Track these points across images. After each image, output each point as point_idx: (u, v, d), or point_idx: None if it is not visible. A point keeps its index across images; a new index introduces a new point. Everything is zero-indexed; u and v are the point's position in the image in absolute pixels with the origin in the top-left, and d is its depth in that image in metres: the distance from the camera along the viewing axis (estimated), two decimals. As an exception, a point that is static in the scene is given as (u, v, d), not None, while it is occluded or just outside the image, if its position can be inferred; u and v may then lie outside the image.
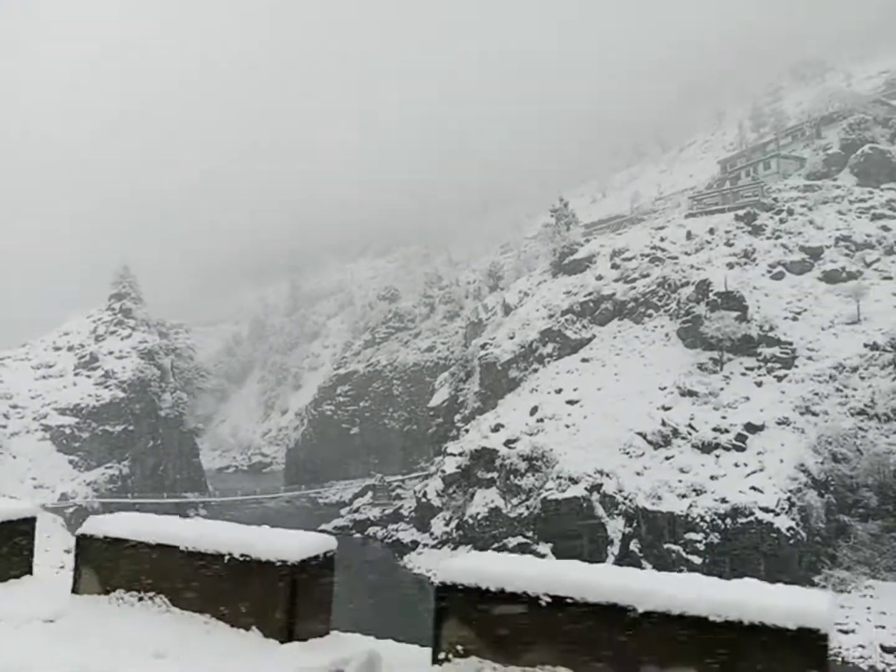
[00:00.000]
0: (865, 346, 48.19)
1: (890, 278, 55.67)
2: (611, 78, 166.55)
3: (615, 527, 41.04)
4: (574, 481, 43.61)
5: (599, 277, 63.87)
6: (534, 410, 52.79)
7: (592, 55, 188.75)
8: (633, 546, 39.87)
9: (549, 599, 2.86)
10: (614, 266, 64.18)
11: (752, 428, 43.86)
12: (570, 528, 42.34)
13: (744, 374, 49.65)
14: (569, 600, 2.84)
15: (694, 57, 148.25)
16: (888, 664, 28.49)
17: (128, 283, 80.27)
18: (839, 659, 28.71)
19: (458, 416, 65.13)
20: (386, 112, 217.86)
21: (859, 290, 52.71)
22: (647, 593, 2.74)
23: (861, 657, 29.14)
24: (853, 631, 31.00)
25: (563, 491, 43.28)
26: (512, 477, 46.95)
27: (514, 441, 49.31)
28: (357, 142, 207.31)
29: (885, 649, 29.20)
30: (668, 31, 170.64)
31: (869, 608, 33.47)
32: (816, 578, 36.62)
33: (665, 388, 49.36)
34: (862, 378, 46.77)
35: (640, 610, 2.69)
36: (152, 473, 67.59)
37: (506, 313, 72.41)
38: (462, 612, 3.07)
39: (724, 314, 50.86)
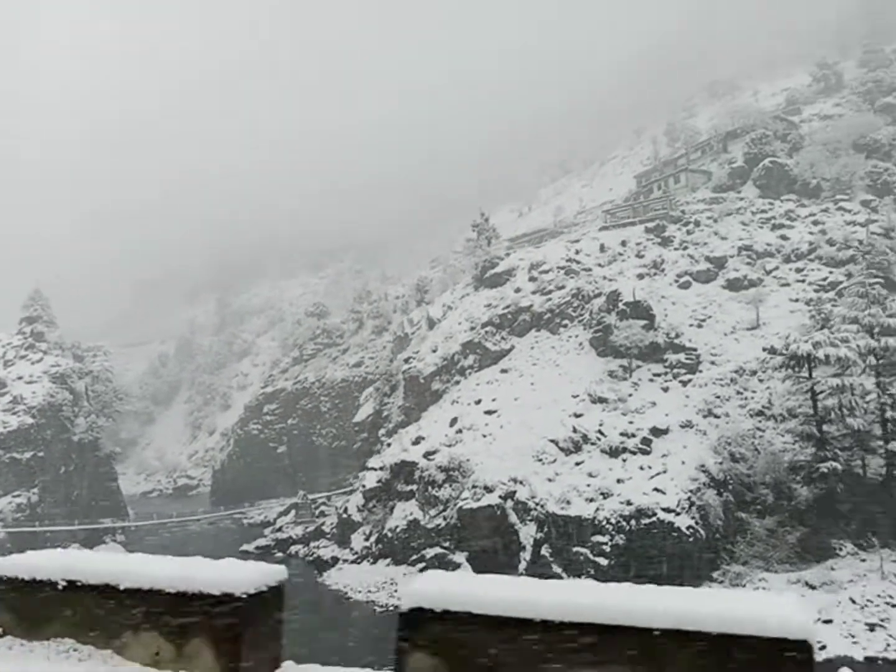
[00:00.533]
0: (764, 349, 50.63)
1: (788, 285, 58.75)
2: (539, 95, 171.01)
3: (527, 533, 41.80)
4: (489, 490, 44.25)
5: (518, 290, 65.17)
6: (453, 422, 53.37)
7: (522, 74, 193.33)
8: (545, 551, 40.66)
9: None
10: (532, 279, 65.61)
11: (658, 431, 45.45)
12: (485, 536, 42.94)
13: (651, 381, 51.44)
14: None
15: (615, 74, 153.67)
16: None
17: (39, 305, 77.53)
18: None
19: (382, 431, 65.23)
20: (324, 126, 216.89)
21: (759, 296, 55.46)
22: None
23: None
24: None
25: (478, 500, 43.84)
26: (430, 488, 47.30)
27: (434, 453, 49.72)
28: (290, 158, 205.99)
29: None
30: (592, 50, 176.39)
31: (762, 599, 35.00)
32: (715, 574, 38.18)
33: (577, 395, 50.65)
34: (760, 381, 49.11)
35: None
36: (65, 500, 65.06)
37: (430, 327, 73.02)
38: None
39: (632, 323, 52.65)
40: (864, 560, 37.96)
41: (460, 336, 63.92)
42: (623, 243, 67.09)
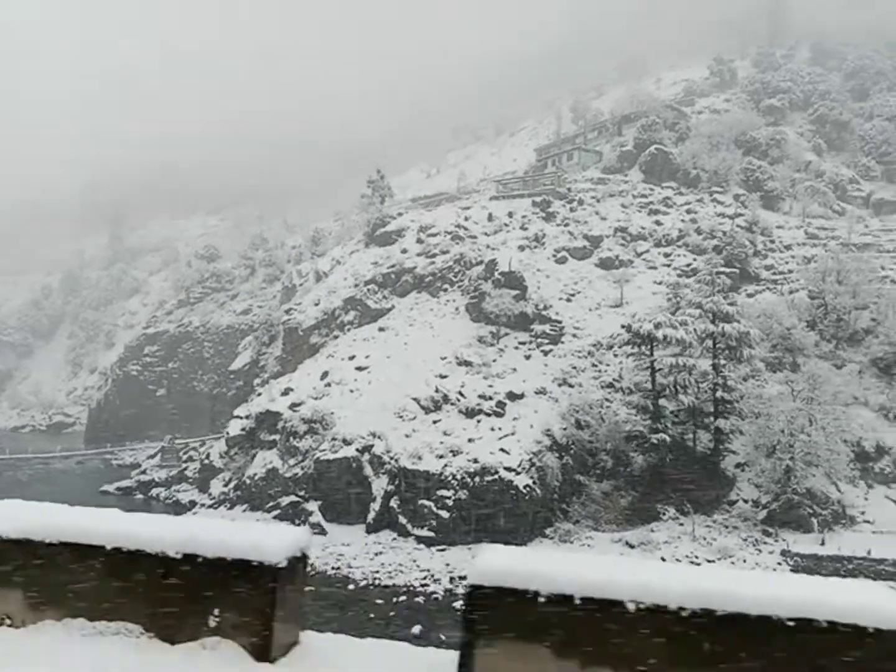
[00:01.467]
0: (622, 326, 53.62)
1: (655, 268, 62.24)
2: (462, 60, 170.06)
3: (380, 485, 43.33)
4: (347, 443, 45.40)
5: (404, 251, 65.89)
6: (324, 375, 53.96)
7: (448, 38, 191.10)
8: (393, 503, 42.35)
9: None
10: (419, 241, 66.42)
11: (513, 396, 47.73)
12: (340, 487, 44.20)
13: (516, 348, 53.69)
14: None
15: (537, 46, 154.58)
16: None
17: None
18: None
19: (257, 380, 65.02)
20: (246, 72, 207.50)
21: (625, 276, 58.56)
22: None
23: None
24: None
25: (336, 452, 44.94)
26: (291, 439, 47.94)
27: (300, 405, 50.24)
28: (201, 98, 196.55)
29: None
30: (518, 22, 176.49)
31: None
32: (548, 531, 41.01)
33: (445, 357, 52.27)
34: (615, 356, 52.22)
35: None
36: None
37: (317, 280, 72.81)
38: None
39: (503, 292, 54.52)
40: (681, 524, 41.70)
41: (343, 292, 64.20)
42: (510, 214, 68.81)
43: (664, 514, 42.73)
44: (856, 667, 2.51)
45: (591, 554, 37.46)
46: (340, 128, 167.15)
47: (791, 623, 2.57)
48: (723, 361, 45.60)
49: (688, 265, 61.08)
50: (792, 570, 36.38)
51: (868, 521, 41.91)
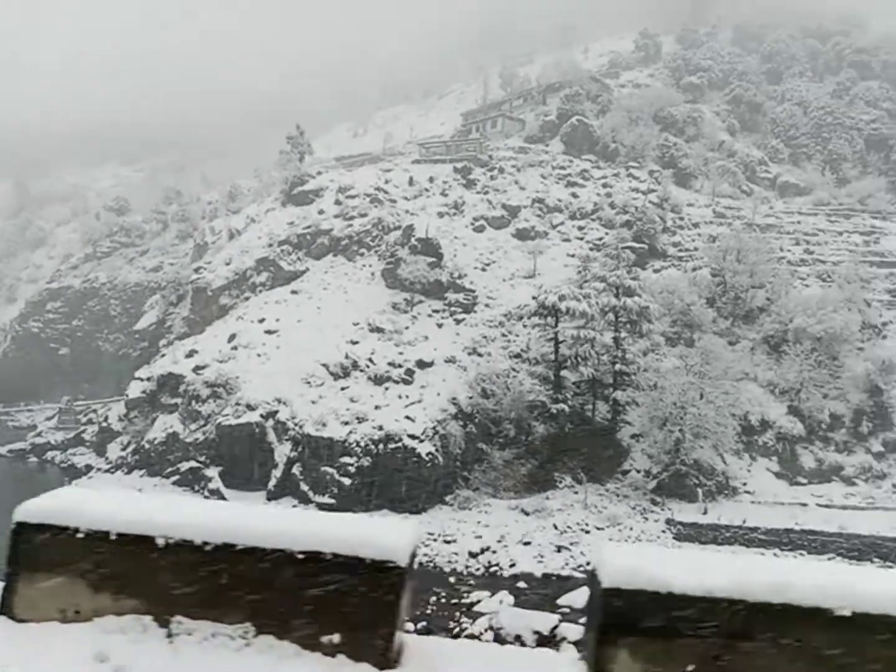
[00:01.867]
0: (533, 297, 54.40)
1: (569, 240, 63.19)
2: (395, 18, 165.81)
3: (282, 451, 43.00)
4: (251, 408, 44.71)
5: (321, 212, 64.57)
6: (231, 338, 52.73)
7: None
8: (296, 469, 42.17)
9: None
10: (337, 202, 65.18)
11: (423, 364, 47.98)
12: (242, 453, 43.62)
13: (430, 316, 53.81)
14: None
15: (472, 4, 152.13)
16: (468, 566, 33.76)
17: None
18: (431, 563, 33.42)
19: (163, 342, 63.00)
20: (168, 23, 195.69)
21: (539, 247, 59.25)
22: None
23: (449, 561, 34.25)
24: (455, 541, 36.12)
25: (239, 417, 44.22)
26: (194, 403, 46.88)
27: (204, 368, 49.04)
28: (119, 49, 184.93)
29: (470, 554, 34.52)
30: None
31: (479, 522, 39.08)
32: (448, 498, 41.76)
33: (358, 323, 51.91)
34: (525, 326, 52.99)
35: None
36: None
37: (230, 238, 70.59)
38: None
39: (419, 259, 54.35)
40: (576, 492, 43.17)
41: (256, 252, 62.56)
42: (431, 179, 68.26)
43: (560, 482, 44.13)
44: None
45: (484, 517, 38.34)
46: (268, 83, 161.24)
47: (301, 556, 2.79)
48: (623, 335, 47.04)
49: (599, 239, 62.24)
50: (674, 538, 38.50)
51: (749, 492, 44.47)
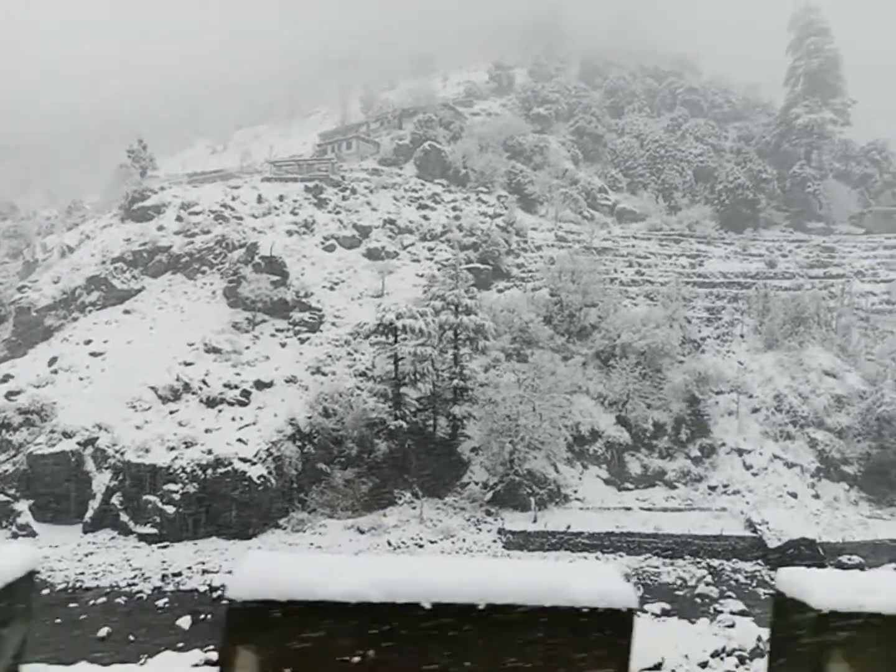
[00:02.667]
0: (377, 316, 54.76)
1: (418, 261, 64.21)
2: (266, 42, 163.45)
3: (101, 481, 40.40)
4: (68, 435, 41.74)
5: (161, 228, 61.92)
6: (52, 361, 49.18)
7: (249, 15, 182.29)
8: (116, 499, 39.66)
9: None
10: (179, 219, 62.78)
11: (261, 385, 46.81)
12: (56, 484, 40.51)
13: (273, 335, 52.73)
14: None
15: (340, 28, 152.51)
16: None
17: None
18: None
19: (-21, 365, 57.59)
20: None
21: (388, 267, 59.79)
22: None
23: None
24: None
25: (53, 445, 41.13)
26: (4, 432, 43.08)
27: (18, 393, 45.32)
28: None
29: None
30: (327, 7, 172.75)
31: (311, 544, 38.35)
32: (282, 521, 40.73)
33: (193, 344, 49.93)
34: (371, 345, 53.02)
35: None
36: None
37: (62, 255, 66.09)
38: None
39: (261, 277, 53.28)
40: (414, 508, 43.46)
41: (88, 269, 58.94)
42: (281, 198, 67.36)
43: (400, 498, 44.29)
44: None
45: (317, 538, 37.59)
46: (128, 97, 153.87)
47: None
48: (463, 351, 48.18)
49: (447, 259, 63.58)
50: (504, 547, 39.52)
51: (578, 499, 46.60)
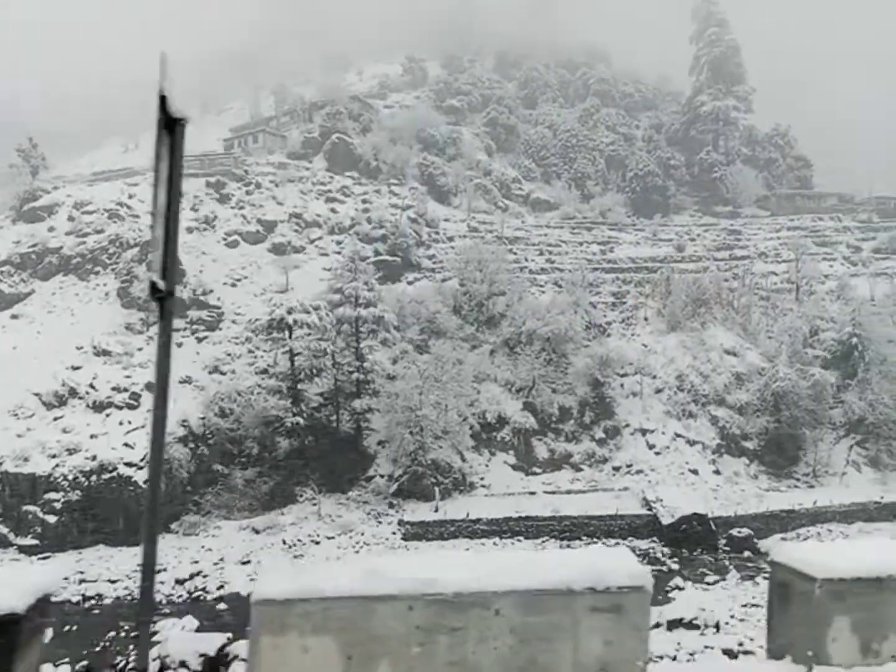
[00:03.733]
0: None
1: (326, 255, 63.11)
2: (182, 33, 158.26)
3: (-24, 494, 38.16)
4: (-62, 449, 39.28)
5: (51, 229, 59.20)
6: (-72, 371, 46.25)
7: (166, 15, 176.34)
8: (-8, 512, 37.59)
9: None
10: (71, 218, 60.13)
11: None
12: (-76, 501, 38.11)
13: (169, 336, 50.85)
14: None
15: (257, 29, 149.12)
16: (170, 594, 31.80)
17: None
18: (129, 597, 31.01)
19: None
20: None
21: (293, 262, 58.58)
22: None
23: (159, 591, 32.14)
24: (164, 570, 33.94)
25: (-75, 460, 38.65)
26: None
27: None
28: None
29: (177, 581, 32.58)
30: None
31: (203, 546, 37.17)
32: (173, 525, 39.32)
33: (82, 347, 47.82)
34: (264, 340, 51.63)
35: None
36: None
37: (-53, 261, 62.45)
38: None
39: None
40: (315, 504, 42.65)
41: (-28, 274, 55.80)
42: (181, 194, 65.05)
43: (301, 496, 43.42)
44: None
45: (210, 541, 36.47)
46: (35, 95, 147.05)
47: None
48: (365, 344, 47.52)
49: (355, 253, 62.77)
50: (402, 539, 39.12)
51: (484, 486, 46.57)
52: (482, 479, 46.90)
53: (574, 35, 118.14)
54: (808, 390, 49.73)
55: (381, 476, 45.43)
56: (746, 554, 38.10)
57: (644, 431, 51.26)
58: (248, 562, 35.02)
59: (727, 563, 36.97)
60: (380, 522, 40.63)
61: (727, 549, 38.96)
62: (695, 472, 48.29)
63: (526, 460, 49.70)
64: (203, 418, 43.56)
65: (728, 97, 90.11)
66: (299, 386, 44.96)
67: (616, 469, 48.77)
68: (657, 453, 49.82)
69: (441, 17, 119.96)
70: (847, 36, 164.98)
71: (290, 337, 44.33)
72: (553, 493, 45.35)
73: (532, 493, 44.81)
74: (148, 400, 44.38)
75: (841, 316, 57.96)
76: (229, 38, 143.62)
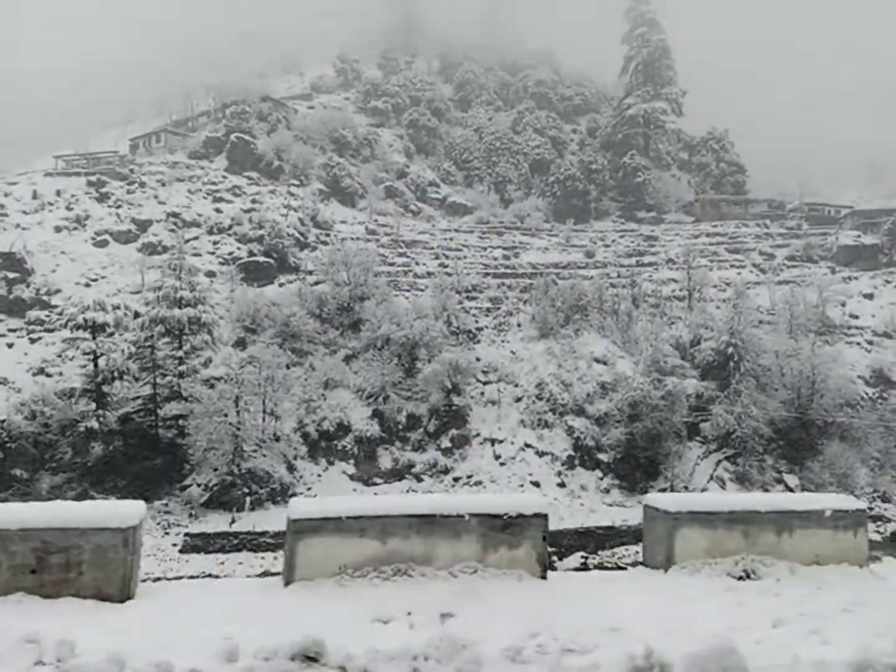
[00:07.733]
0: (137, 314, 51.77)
1: (199, 255, 61.36)
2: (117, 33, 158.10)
3: None
4: None
5: (-89, 227, 57.87)
6: None
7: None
8: None
9: None
10: (-66, 216, 58.85)
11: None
12: None
13: (3, 336, 49.37)
14: None
15: (207, 32, 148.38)
16: None
17: None
18: None
19: None
20: None
21: (150, 262, 56.87)
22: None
23: None
24: None
25: None
26: None
27: None
28: None
29: None
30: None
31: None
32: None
33: None
34: (63, 341, 49.41)
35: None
36: None
37: None
38: None
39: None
40: (116, 512, 40.62)
41: None
42: (58, 193, 63.85)
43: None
44: None
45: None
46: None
47: None
48: (186, 347, 45.63)
49: (230, 253, 61.19)
50: (180, 551, 36.97)
51: (315, 496, 44.40)
52: (309, 488, 44.74)
53: (522, 39, 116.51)
54: (661, 401, 47.20)
55: (199, 485, 43.37)
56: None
57: (493, 441, 48.96)
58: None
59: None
60: (167, 533, 38.52)
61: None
62: (536, 484, 45.92)
63: (367, 470, 47.50)
64: (3, 421, 41.76)
65: (657, 100, 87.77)
66: (104, 388, 43.03)
67: (456, 480, 46.49)
68: (502, 464, 47.49)
69: (392, 18, 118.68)
70: (795, 37, 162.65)
71: (93, 338, 42.47)
72: (378, 505, 43.08)
73: (354, 505, 42.55)
74: (-51, 402, 42.75)
75: (725, 325, 55.47)
76: (177, 45, 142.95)
